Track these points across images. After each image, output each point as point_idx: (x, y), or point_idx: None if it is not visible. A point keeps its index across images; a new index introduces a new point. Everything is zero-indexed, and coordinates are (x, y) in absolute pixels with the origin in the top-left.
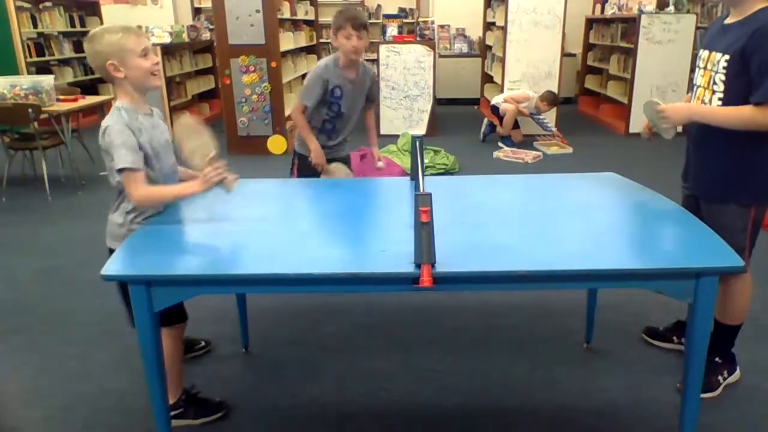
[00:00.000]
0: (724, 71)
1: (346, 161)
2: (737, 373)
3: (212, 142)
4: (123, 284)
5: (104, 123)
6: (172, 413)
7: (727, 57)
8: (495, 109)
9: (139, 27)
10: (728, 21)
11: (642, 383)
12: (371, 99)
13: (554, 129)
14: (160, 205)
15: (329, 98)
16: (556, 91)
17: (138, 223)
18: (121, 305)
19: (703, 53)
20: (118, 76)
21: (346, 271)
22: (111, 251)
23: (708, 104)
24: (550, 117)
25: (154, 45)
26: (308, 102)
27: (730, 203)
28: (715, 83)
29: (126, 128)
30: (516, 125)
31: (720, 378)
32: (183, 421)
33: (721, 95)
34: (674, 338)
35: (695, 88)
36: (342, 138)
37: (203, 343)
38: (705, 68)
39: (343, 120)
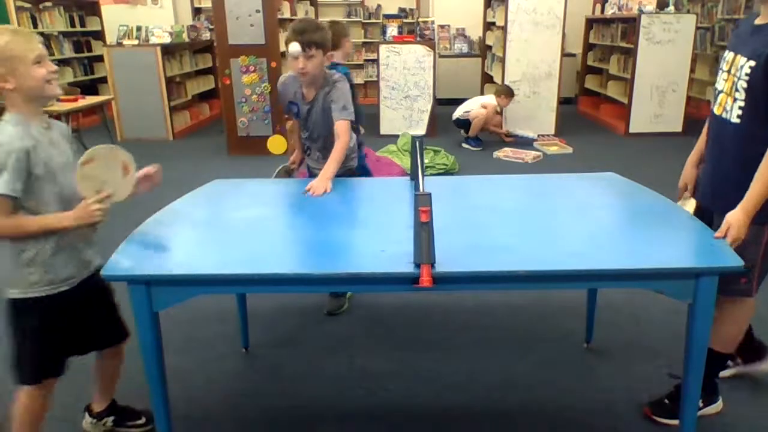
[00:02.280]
0: (747, 78)
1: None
2: (718, 405)
3: (128, 190)
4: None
5: None
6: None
7: (752, 63)
8: (459, 122)
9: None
10: (759, 21)
11: (642, 383)
12: (337, 113)
13: (536, 136)
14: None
15: (291, 108)
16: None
17: (39, 264)
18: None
19: (728, 55)
20: (6, 87)
21: (346, 271)
22: (12, 302)
23: (729, 113)
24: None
25: (154, 45)
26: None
27: None
28: (737, 90)
29: (22, 148)
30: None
31: None
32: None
33: (742, 104)
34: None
35: (717, 94)
36: (315, 153)
37: (143, 419)
38: (728, 72)
39: (311, 139)
